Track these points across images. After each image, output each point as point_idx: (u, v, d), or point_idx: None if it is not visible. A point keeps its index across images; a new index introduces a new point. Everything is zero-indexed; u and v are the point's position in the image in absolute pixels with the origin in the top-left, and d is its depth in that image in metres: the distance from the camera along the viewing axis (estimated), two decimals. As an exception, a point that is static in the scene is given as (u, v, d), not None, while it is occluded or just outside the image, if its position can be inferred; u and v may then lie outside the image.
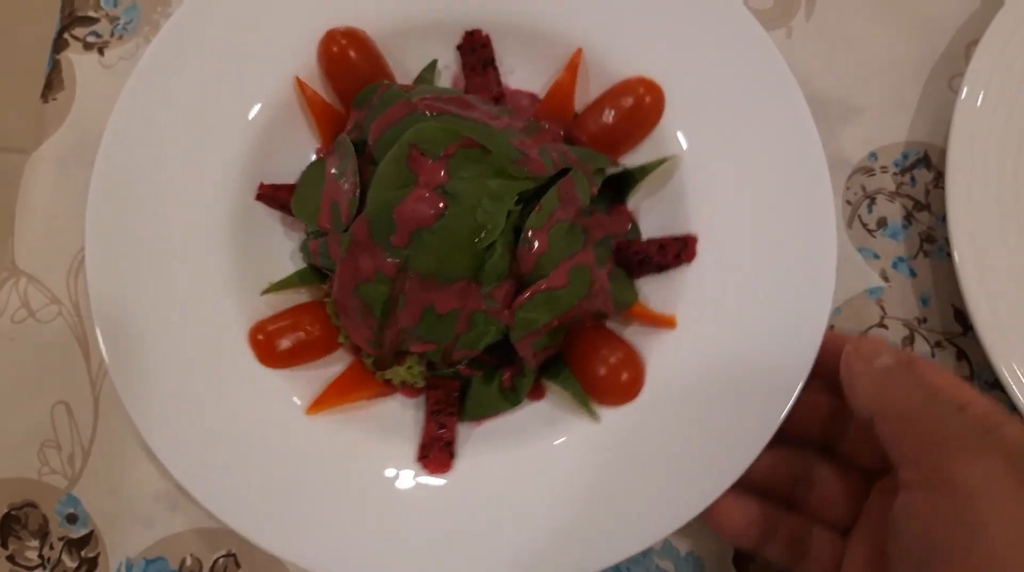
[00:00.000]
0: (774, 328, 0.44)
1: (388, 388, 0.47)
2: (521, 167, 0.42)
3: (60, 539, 0.49)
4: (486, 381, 0.46)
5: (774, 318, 0.44)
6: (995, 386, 0.48)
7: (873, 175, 0.53)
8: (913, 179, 0.53)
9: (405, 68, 0.50)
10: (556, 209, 0.42)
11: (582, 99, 0.49)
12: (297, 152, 0.49)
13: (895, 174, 0.53)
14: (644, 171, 0.47)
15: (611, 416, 0.45)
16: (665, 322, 0.45)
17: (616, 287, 0.46)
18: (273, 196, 0.48)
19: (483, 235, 0.41)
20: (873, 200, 0.53)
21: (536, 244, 0.42)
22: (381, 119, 0.45)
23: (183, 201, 0.47)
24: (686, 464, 0.43)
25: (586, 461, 0.44)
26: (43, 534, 0.49)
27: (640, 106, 0.47)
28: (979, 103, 0.50)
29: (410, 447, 0.45)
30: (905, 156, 0.53)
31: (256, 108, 0.48)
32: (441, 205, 0.41)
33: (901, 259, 0.52)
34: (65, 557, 0.49)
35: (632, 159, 0.49)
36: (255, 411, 0.45)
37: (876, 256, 0.52)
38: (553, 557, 0.42)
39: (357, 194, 0.44)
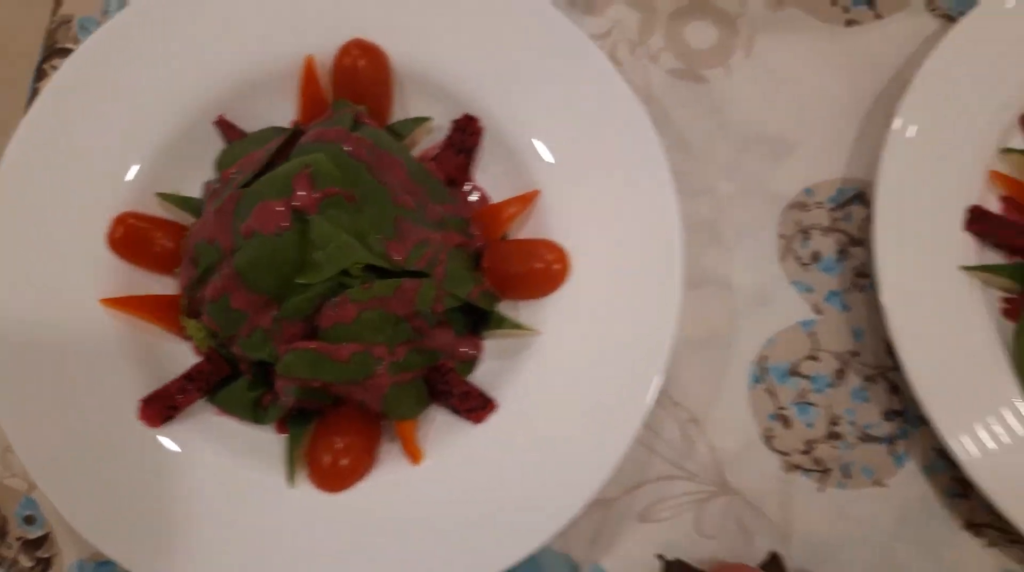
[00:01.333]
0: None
1: (179, 332, 0.50)
2: (382, 245, 0.45)
3: (18, 539, 0.52)
4: (250, 387, 0.48)
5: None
6: (925, 421, 0.48)
7: (808, 210, 0.54)
8: (849, 215, 0.54)
9: (403, 104, 0.53)
10: (384, 298, 0.45)
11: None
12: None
13: (830, 209, 0.54)
14: (500, 322, 0.49)
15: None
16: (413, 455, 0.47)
17: (397, 396, 0.47)
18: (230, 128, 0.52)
19: (306, 273, 0.44)
20: (808, 234, 0.53)
21: (340, 311, 0.45)
22: (319, 131, 0.48)
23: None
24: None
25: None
26: (2, 534, 0.52)
27: (546, 272, 0.48)
28: (909, 139, 0.51)
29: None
30: (841, 192, 0.54)
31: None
32: (283, 225, 0.44)
33: (834, 293, 0.52)
34: (22, 557, 0.52)
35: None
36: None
37: (810, 289, 0.53)
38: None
39: (257, 170, 0.47)
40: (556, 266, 0.49)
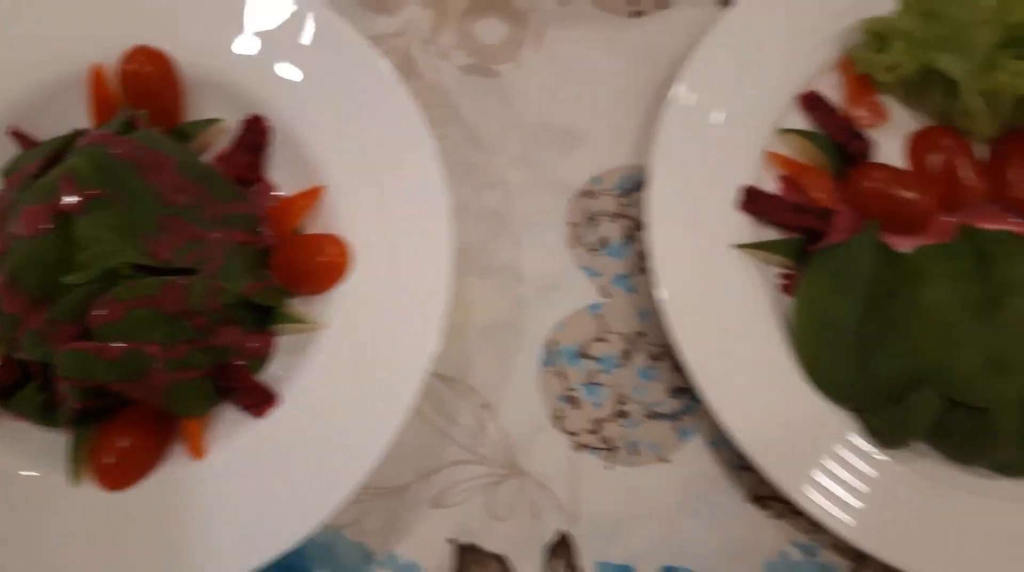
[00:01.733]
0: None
1: None
2: (147, 244, 0.45)
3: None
4: (40, 390, 0.48)
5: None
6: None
7: (596, 198, 0.55)
8: (635, 201, 0.55)
9: (199, 108, 0.53)
10: (152, 296, 0.45)
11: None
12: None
13: (617, 196, 0.55)
14: (282, 318, 0.49)
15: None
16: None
17: (180, 394, 0.46)
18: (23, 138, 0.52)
19: (72, 273, 0.44)
20: (596, 221, 0.55)
21: (105, 311, 0.44)
22: (92, 135, 0.48)
23: None
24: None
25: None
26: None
27: (329, 266, 0.49)
28: (682, 122, 0.53)
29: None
30: (626, 179, 0.55)
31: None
32: (43, 227, 0.44)
33: (621, 276, 0.54)
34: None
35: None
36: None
37: (598, 274, 0.54)
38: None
39: (35, 175, 0.47)
40: (338, 260, 0.49)
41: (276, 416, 0.47)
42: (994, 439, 0.47)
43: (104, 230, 0.45)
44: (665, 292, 0.50)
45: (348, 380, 0.47)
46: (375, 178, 0.50)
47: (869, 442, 0.48)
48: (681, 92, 0.53)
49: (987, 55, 0.51)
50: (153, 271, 0.46)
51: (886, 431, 0.48)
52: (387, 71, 0.51)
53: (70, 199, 0.45)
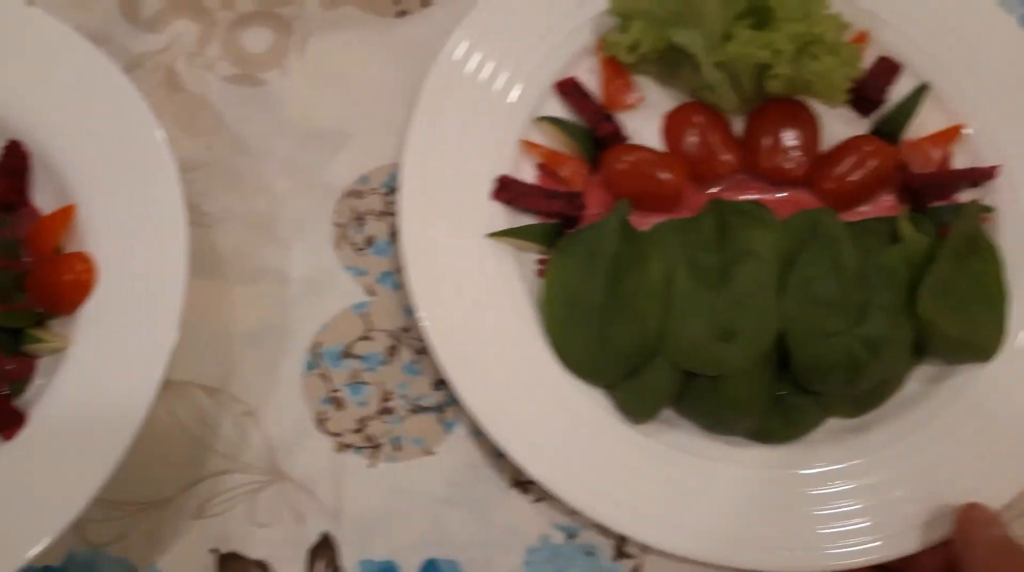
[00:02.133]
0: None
1: None
2: None
3: None
4: None
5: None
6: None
7: (363, 197, 0.55)
8: (400, 197, 0.55)
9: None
10: None
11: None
12: None
13: (384, 194, 0.55)
14: (29, 339, 0.49)
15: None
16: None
17: None
18: None
19: None
20: (363, 220, 0.55)
21: None
22: None
23: None
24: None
25: None
26: None
27: (76, 283, 0.49)
28: (434, 118, 0.53)
29: None
30: (392, 177, 0.55)
31: None
32: None
33: (387, 273, 0.54)
34: None
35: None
36: None
37: (363, 273, 0.54)
38: None
39: None
40: (84, 277, 0.49)
41: (22, 437, 0.47)
42: (732, 407, 0.47)
43: None
44: (416, 285, 0.50)
45: (88, 394, 0.47)
46: (115, 191, 0.50)
47: (621, 419, 0.48)
48: (432, 85, 0.54)
49: (724, 27, 0.51)
50: None
51: (631, 406, 0.48)
52: (126, 85, 0.51)
53: None
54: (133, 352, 0.47)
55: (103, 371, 0.47)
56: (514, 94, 0.55)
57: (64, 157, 0.52)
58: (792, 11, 0.50)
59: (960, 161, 0.54)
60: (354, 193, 0.55)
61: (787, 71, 0.50)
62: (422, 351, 0.52)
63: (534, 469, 0.47)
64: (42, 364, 0.50)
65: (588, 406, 0.49)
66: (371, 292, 0.53)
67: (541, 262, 0.52)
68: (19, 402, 0.49)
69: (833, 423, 0.49)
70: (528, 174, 0.54)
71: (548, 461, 0.47)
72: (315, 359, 0.52)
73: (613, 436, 0.48)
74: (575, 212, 0.52)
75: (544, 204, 0.52)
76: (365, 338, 0.53)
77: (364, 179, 0.56)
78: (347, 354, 0.52)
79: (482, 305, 0.50)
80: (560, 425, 0.48)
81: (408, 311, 0.53)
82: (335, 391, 0.52)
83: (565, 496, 0.47)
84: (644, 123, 0.56)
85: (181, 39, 0.58)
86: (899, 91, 0.56)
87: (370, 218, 0.55)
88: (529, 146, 0.54)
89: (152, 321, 0.47)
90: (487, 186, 0.53)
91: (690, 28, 0.52)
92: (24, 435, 0.47)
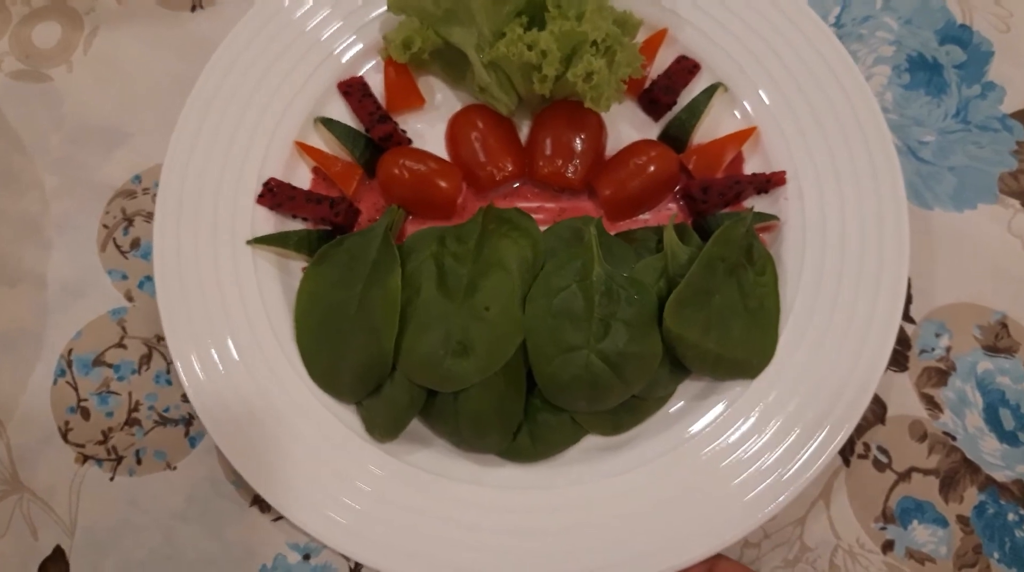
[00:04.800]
0: None
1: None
2: None
3: None
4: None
5: None
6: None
7: (135, 197, 0.53)
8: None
9: None
10: None
11: None
12: None
13: (156, 194, 0.53)
14: None
15: None
16: None
17: None
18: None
19: None
20: (131, 222, 0.53)
21: None
22: None
23: None
24: None
25: None
26: None
27: None
28: (201, 120, 0.50)
29: None
30: (167, 177, 0.54)
31: None
32: None
33: (149, 278, 0.52)
34: None
35: None
36: None
37: (125, 277, 0.52)
38: None
39: None
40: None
41: None
42: (473, 424, 0.44)
43: None
44: (163, 291, 0.47)
45: None
46: None
47: (368, 437, 0.46)
48: (206, 81, 0.51)
49: (498, 26, 0.49)
50: None
51: (375, 423, 0.45)
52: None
53: None
54: None
55: None
56: (289, 92, 0.52)
57: None
58: (565, 10, 0.48)
59: (754, 166, 0.51)
60: (127, 193, 0.53)
61: (552, 72, 0.47)
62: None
63: (263, 489, 0.44)
64: None
65: (334, 425, 0.46)
66: (130, 297, 0.51)
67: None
68: None
69: (593, 441, 0.46)
70: (305, 179, 0.52)
71: (281, 482, 0.45)
72: (66, 366, 0.50)
73: (358, 456, 0.46)
74: (340, 219, 0.49)
75: (310, 210, 0.50)
76: (119, 345, 0.50)
77: (137, 178, 0.54)
78: (99, 362, 0.50)
79: (232, 316, 0.48)
80: (301, 444, 0.45)
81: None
82: (83, 401, 0.49)
83: (295, 517, 0.44)
84: (431, 126, 0.53)
85: (-30, 34, 0.57)
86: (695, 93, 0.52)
87: (139, 219, 0.53)
88: (303, 148, 0.52)
89: None
90: (256, 190, 0.50)
91: (463, 26, 0.49)
92: None
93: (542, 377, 0.44)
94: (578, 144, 0.50)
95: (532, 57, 0.47)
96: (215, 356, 0.47)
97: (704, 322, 0.44)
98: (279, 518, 0.47)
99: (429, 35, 0.50)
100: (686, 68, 0.52)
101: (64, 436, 0.49)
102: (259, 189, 0.50)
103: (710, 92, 0.51)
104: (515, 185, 0.51)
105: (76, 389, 0.50)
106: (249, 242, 0.49)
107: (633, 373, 0.43)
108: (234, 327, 0.47)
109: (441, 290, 0.45)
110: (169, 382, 0.50)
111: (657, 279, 0.45)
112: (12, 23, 0.57)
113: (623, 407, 0.45)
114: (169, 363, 0.50)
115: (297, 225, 0.51)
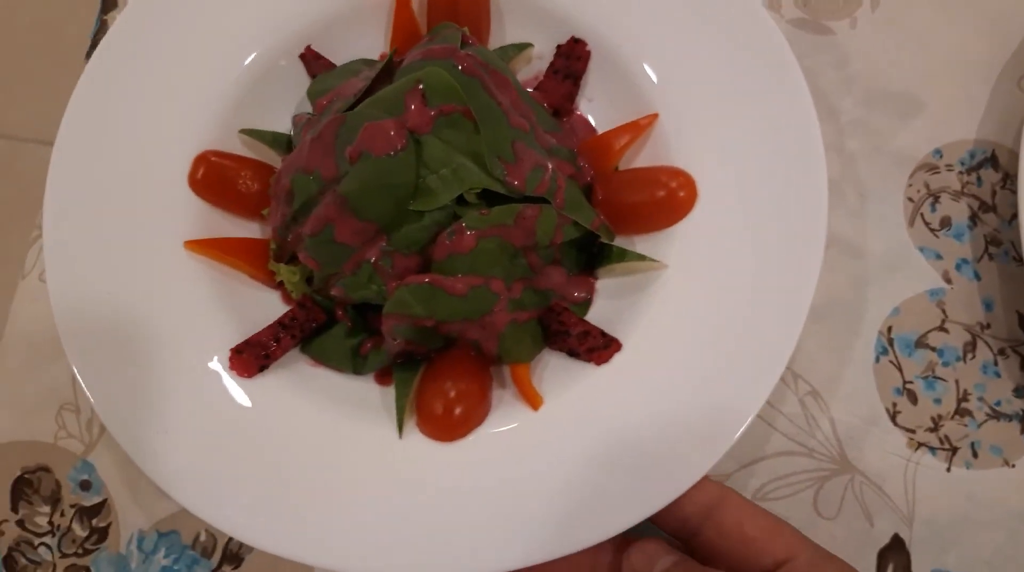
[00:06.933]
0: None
1: (268, 278, 0.46)
2: (501, 167, 0.40)
3: (72, 506, 0.47)
4: (348, 335, 0.45)
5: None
6: (1062, 399, 0.45)
7: (937, 173, 0.50)
8: (979, 179, 0.50)
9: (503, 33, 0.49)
10: (504, 226, 0.40)
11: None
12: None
13: (960, 173, 0.50)
14: (623, 255, 0.44)
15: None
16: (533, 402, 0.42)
17: (514, 336, 0.43)
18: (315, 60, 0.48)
19: (419, 199, 0.40)
20: (937, 198, 0.50)
21: (457, 241, 0.40)
22: (425, 50, 0.43)
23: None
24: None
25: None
26: (55, 500, 0.47)
27: (669, 200, 0.44)
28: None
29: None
30: (972, 155, 0.50)
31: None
32: (399, 146, 0.39)
33: (965, 261, 0.49)
34: (76, 525, 0.47)
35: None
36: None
37: (939, 256, 0.49)
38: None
39: (357, 96, 0.43)
40: (681, 193, 0.44)
41: (616, 363, 0.42)
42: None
43: (454, 151, 0.40)
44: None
45: (700, 330, 0.42)
46: (723, 107, 0.44)
47: None
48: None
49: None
50: (497, 200, 0.41)
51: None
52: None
53: (422, 114, 0.40)
54: (764, 293, 0.41)
55: (724, 305, 0.42)
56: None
57: (644, 64, 0.46)
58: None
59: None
60: (928, 167, 0.50)
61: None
62: (1002, 352, 0.48)
63: None
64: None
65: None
66: (947, 279, 0.49)
67: None
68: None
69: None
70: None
71: None
72: (887, 344, 0.48)
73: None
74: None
75: None
76: (940, 329, 0.48)
77: (938, 153, 0.50)
78: (921, 344, 0.48)
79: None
80: None
81: (988, 305, 0.49)
82: (908, 383, 0.48)
83: None
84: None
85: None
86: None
87: (945, 197, 0.50)
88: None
89: (785, 261, 0.42)
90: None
91: None
92: (622, 363, 0.42)
93: None
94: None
95: None
96: None
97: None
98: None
99: None
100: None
101: (892, 418, 0.47)
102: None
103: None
104: None
105: (900, 370, 0.48)
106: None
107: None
108: None
109: None
110: (998, 374, 0.48)
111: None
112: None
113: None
114: (996, 353, 0.48)
115: None
